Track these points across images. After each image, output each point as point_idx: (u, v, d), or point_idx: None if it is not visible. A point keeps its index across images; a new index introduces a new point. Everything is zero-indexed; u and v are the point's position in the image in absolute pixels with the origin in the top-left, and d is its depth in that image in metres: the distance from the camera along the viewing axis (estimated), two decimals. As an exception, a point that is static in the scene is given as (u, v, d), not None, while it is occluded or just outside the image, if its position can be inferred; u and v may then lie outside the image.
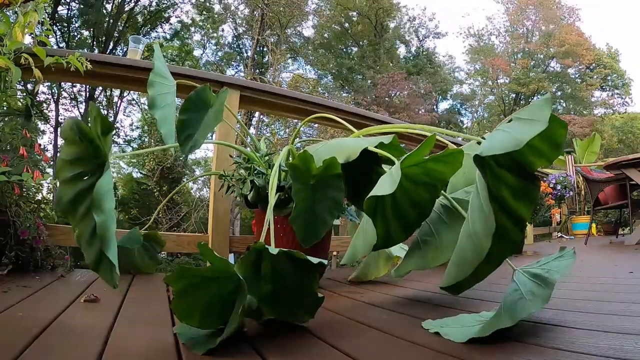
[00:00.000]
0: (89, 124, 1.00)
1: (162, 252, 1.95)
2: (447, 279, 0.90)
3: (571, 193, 5.94)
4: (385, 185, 0.91)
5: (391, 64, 20.31)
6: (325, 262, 0.91)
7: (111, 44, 17.33)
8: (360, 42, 21.58)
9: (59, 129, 15.16)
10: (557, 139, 0.78)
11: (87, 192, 0.99)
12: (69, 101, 16.35)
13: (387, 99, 18.13)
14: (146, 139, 19.85)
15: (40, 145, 1.88)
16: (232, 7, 18.57)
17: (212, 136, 2.40)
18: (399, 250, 1.76)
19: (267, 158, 1.66)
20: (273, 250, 0.88)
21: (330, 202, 1.21)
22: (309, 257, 0.88)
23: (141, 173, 19.83)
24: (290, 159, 1.47)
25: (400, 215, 1.09)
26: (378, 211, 1.04)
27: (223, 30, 19.27)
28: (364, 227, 1.25)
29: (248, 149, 1.79)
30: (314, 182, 1.20)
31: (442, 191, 1.26)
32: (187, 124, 1.29)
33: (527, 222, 0.87)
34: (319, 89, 20.15)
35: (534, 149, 0.81)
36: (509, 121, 0.80)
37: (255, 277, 0.89)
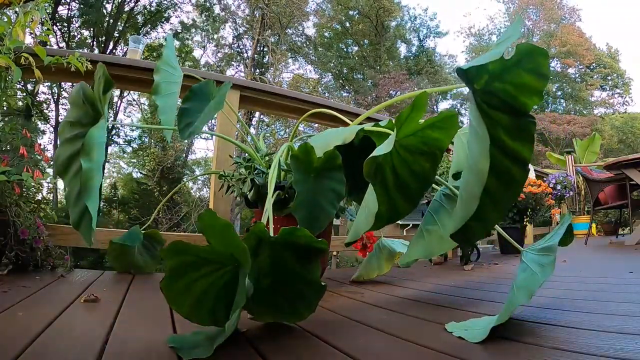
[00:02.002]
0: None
1: (162, 252, 1.96)
2: (454, 221, 0.88)
3: (571, 193, 5.94)
4: (382, 148, 0.92)
5: (392, 64, 20.31)
6: (327, 245, 0.88)
7: (111, 44, 17.35)
8: (361, 42, 21.58)
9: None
10: (540, 68, 0.78)
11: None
12: (69, 101, 16.35)
13: (387, 98, 18.14)
14: (146, 139, 19.86)
15: (40, 145, 1.88)
16: (233, 7, 18.58)
17: (212, 136, 2.39)
18: (401, 246, 1.77)
19: (267, 158, 1.66)
20: (272, 236, 0.85)
21: (332, 193, 1.22)
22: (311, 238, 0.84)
23: (141, 173, 19.84)
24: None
25: (402, 187, 1.09)
26: (378, 180, 1.04)
27: (225, 28, 19.27)
28: (365, 202, 1.24)
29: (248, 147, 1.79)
30: (315, 173, 1.20)
31: (443, 180, 1.26)
32: (188, 113, 1.33)
33: (529, 162, 0.85)
34: (320, 88, 20.16)
35: (521, 87, 0.80)
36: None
37: (253, 261, 0.85)
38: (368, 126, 1.19)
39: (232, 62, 19.84)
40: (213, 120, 2.76)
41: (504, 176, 0.85)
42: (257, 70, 18.53)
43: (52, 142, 15.51)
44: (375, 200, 1.00)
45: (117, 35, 17.42)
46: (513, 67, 0.78)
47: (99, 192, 0.96)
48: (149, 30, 18.72)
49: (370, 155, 0.90)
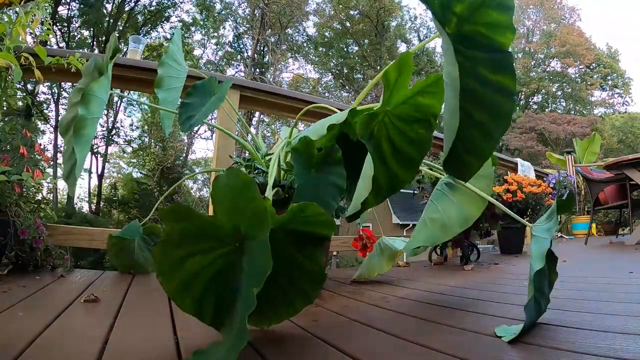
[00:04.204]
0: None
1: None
2: (445, 147, 0.89)
3: (571, 193, 5.93)
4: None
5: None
6: (333, 227, 0.83)
7: (111, 43, 17.32)
8: (361, 42, 21.58)
9: (58, 129, 15.20)
10: (504, 1, 0.81)
11: None
12: (69, 101, 16.36)
13: (387, 98, 18.14)
14: (146, 139, 19.86)
15: (40, 145, 1.88)
16: (233, 7, 18.59)
17: (212, 135, 2.39)
18: (402, 244, 1.77)
19: (267, 158, 1.66)
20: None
21: (333, 187, 1.21)
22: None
23: (141, 173, 19.86)
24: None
25: (400, 154, 1.10)
26: (375, 152, 1.05)
27: (225, 27, 19.28)
28: (363, 172, 1.20)
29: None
30: (316, 167, 1.20)
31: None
32: (189, 107, 1.36)
33: (513, 92, 0.88)
34: (320, 88, 20.17)
35: (492, 25, 0.83)
36: None
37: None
38: (360, 107, 1.20)
39: (232, 62, 19.85)
40: (213, 121, 2.75)
41: (490, 107, 0.88)
42: (257, 70, 18.53)
43: (52, 142, 15.52)
44: (372, 166, 1.01)
45: (117, 35, 17.42)
46: (480, 7, 0.81)
47: (89, 145, 1.03)
48: (149, 30, 18.73)
49: (365, 113, 0.91)
